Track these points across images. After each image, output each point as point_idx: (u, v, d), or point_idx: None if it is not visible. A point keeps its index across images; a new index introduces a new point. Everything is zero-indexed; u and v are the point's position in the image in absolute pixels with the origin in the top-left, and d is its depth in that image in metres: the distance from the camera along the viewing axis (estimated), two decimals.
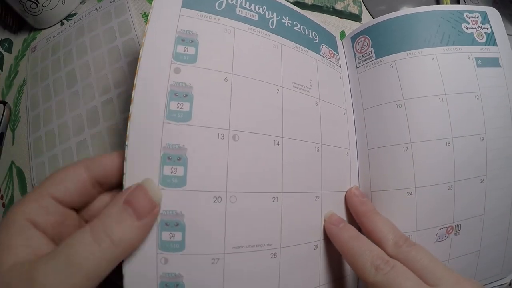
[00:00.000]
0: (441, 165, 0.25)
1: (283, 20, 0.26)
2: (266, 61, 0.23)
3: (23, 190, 0.33)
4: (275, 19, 0.25)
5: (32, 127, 0.34)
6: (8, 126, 0.36)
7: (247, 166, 0.20)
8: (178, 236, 0.18)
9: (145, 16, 0.35)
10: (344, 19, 0.37)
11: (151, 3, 0.36)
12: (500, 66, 0.27)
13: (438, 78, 0.26)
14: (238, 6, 0.23)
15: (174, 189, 0.18)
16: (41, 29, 0.39)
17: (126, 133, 0.18)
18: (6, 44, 0.40)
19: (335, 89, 0.28)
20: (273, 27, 0.25)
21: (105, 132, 0.31)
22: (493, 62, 0.27)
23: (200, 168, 0.19)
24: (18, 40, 0.40)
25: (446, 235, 0.25)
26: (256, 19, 0.24)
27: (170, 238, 0.18)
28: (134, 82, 0.19)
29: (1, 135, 0.35)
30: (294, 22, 0.26)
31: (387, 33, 0.28)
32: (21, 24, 0.40)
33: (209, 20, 0.22)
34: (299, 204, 0.22)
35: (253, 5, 0.24)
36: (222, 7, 0.23)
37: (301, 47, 0.26)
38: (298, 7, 0.36)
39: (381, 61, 0.28)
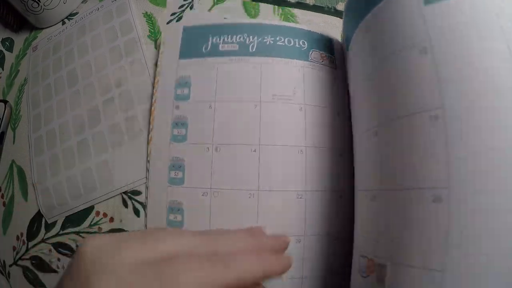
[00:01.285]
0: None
1: (264, 40, 0.29)
2: (245, 82, 0.28)
3: (24, 189, 0.33)
4: (255, 42, 0.29)
5: (33, 126, 0.34)
6: (9, 125, 0.36)
7: (227, 169, 0.27)
8: (179, 217, 0.27)
9: (147, 15, 0.35)
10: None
11: (152, 3, 0.36)
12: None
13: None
14: (221, 43, 0.29)
15: (177, 186, 0.27)
16: (43, 28, 0.39)
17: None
18: (7, 43, 0.40)
19: (326, 92, 0.29)
20: (254, 50, 0.29)
21: (106, 131, 0.31)
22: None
23: (193, 172, 0.27)
24: (19, 39, 0.40)
25: (366, 273, 0.19)
26: (237, 48, 0.29)
27: (174, 218, 0.27)
28: (152, 117, 0.29)
29: (2, 134, 0.35)
30: (278, 37, 0.29)
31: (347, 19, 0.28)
32: (23, 23, 0.40)
33: (198, 63, 0.29)
34: (277, 200, 0.26)
35: (234, 37, 0.30)
36: (208, 49, 0.29)
37: (284, 59, 0.29)
38: (300, 7, 0.36)
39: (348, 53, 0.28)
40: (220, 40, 0.30)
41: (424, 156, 0.16)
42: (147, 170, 0.28)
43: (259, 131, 0.27)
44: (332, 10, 0.36)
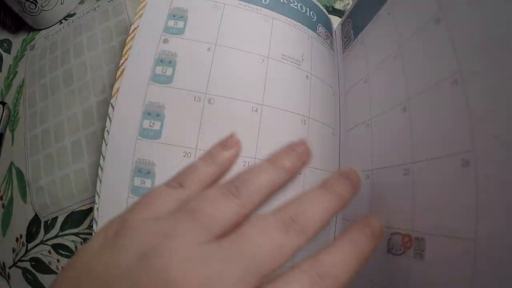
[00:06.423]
0: (395, 139, 0.20)
1: None
2: (253, 33, 0.25)
3: (23, 190, 0.33)
4: None
5: (29, 125, 0.34)
6: (7, 127, 0.36)
7: (220, 126, 0.22)
8: (148, 183, 0.21)
9: None
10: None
11: None
12: None
13: (392, 33, 0.21)
14: None
15: (150, 140, 0.21)
16: (40, 30, 0.39)
17: None
18: (5, 45, 0.40)
19: (328, 69, 0.28)
20: (266, 2, 0.26)
21: (99, 132, 0.31)
22: None
23: (174, 125, 0.22)
24: (17, 41, 0.40)
25: (401, 249, 0.17)
26: None
27: (141, 184, 0.21)
28: (126, 48, 0.23)
29: (0, 136, 0.35)
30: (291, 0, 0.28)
31: (362, 10, 0.28)
32: (20, 24, 0.40)
33: None
34: None
35: None
36: None
37: (296, 22, 0.27)
38: None
39: (356, 40, 0.27)
40: None
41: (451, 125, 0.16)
42: (109, 118, 0.21)
43: (263, 89, 0.23)
44: (330, 9, 0.36)
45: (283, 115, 0.23)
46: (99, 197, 0.21)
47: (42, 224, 0.31)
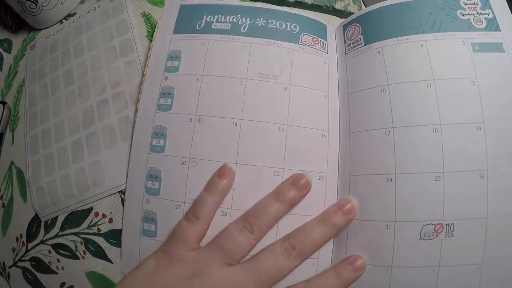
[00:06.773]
0: (426, 153, 0.25)
1: (256, 22, 0.31)
2: (233, 60, 0.29)
3: (23, 190, 0.33)
4: (248, 23, 0.31)
5: (29, 125, 0.34)
6: (8, 126, 0.36)
7: (207, 141, 0.28)
8: (156, 185, 0.28)
9: (145, 16, 0.35)
10: (344, 19, 0.37)
11: (150, 3, 0.36)
12: (505, 52, 0.26)
13: (426, 63, 0.26)
14: (214, 22, 0.31)
15: (157, 154, 0.28)
16: (41, 29, 0.39)
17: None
18: (5, 44, 0.40)
19: (315, 74, 0.30)
20: (245, 30, 0.30)
21: (100, 132, 0.31)
22: (495, 47, 0.26)
23: (174, 141, 0.28)
24: (17, 40, 0.40)
25: (434, 234, 0.24)
26: (229, 28, 0.31)
27: (152, 185, 0.28)
28: (141, 88, 0.30)
29: (1, 136, 0.35)
30: (269, 20, 0.31)
31: (377, 21, 0.29)
32: (21, 24, 0.40)
33: (190, 39, 0.31)
34: (254, 174, 0.27)
35: (228, 17, 0.31)
36: (201, 26, 0.31)
37: (273, 41, 0.30)
38: (298, 6, 0.36)
39: (369, 47, 0.29)
40: (213, 19, 0.31)
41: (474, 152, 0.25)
42: (132, 135, 0.29)
43: (242, 106, 0.28)
44: (331, 9, 0.36)
45: (260, 126, 0.27)
46: (125, 193, 0.29)
47: (42, 223, 0.31)
